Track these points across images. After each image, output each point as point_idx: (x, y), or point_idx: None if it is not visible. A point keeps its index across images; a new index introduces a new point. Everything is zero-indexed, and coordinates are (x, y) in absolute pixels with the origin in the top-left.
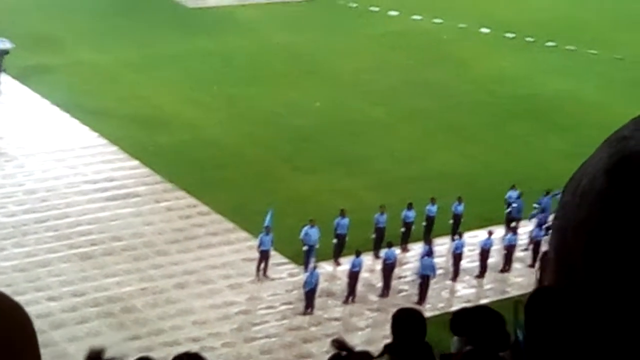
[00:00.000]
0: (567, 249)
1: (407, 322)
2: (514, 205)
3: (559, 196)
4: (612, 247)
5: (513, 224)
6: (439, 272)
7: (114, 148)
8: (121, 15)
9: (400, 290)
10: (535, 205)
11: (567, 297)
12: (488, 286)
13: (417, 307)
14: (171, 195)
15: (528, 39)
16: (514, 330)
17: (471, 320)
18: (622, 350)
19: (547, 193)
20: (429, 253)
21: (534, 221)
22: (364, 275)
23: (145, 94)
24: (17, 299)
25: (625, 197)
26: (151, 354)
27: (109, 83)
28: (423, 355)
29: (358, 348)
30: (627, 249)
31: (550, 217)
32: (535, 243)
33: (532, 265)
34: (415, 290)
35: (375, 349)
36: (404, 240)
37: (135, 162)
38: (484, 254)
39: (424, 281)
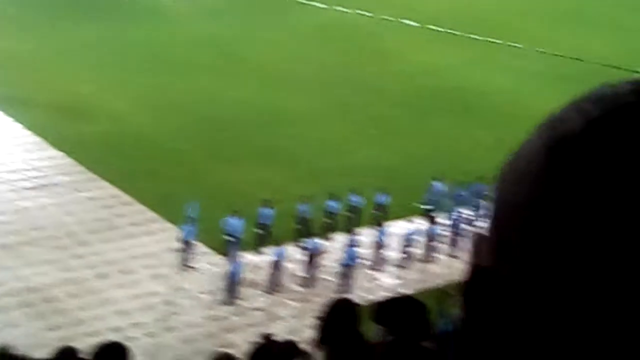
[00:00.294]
0: (505, 230)
1: (341, 312)
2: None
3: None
4: (550, 226)
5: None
6: (361, 262)
7: (36, 138)
8: (43, 1)
9: (324, 280)
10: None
11: (504, 278)
12: (411, 276)
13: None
14: (93, 185)
15: (453, 32)
16: (439, 320)
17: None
18: (559, 334)
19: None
20: (352, 243)
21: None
22: (287, 265)
23: (67, 83)
24: None
25: (563, 176)
26: (72, 344)
27: (27, 71)
28: (356, 346)
29: (281, 338)
30: (565, 228)
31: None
32: (455, 233)
33: (454, 256)
34: (339, 280)
35: (299, 338)
36: (328, 231)
37: (57, 152)
38: (407, 244)
39: (346, 271)
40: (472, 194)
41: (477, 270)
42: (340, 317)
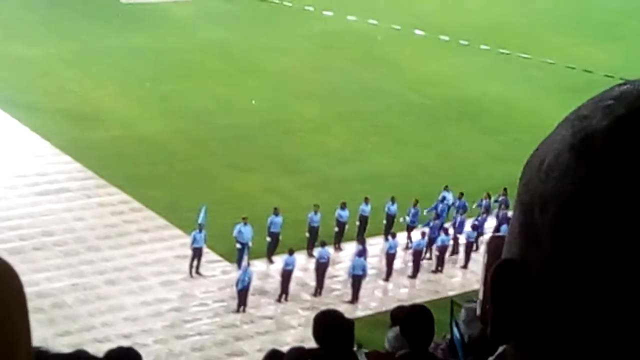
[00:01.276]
0: (534, 223)
1: (332, 327)
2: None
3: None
4: (582, 221)
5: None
6: (372, 272)
7: (46, 143)
8: (53, 8)
9: (333, 290)
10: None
11: (535, 271)
12: (420, 286)
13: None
14: (103, 191)
15: (462, 42)
16: (450, 329)
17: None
18: (589, 329)
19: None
20: (362, 253)
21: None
22: (297, 274)
23: (77, 89)
24: None
25: (591, 173)
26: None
27: (40, 77)
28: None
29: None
30: (594, 224)
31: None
32: (468, 245)
33: (464, 267)
34: (347, 290)
35: (308, 347)
36: (338, 240)
37: (67, 157)
38: (417, 254)
39: (355, 281)
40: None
41: (505, 263)
42: (331, 333)
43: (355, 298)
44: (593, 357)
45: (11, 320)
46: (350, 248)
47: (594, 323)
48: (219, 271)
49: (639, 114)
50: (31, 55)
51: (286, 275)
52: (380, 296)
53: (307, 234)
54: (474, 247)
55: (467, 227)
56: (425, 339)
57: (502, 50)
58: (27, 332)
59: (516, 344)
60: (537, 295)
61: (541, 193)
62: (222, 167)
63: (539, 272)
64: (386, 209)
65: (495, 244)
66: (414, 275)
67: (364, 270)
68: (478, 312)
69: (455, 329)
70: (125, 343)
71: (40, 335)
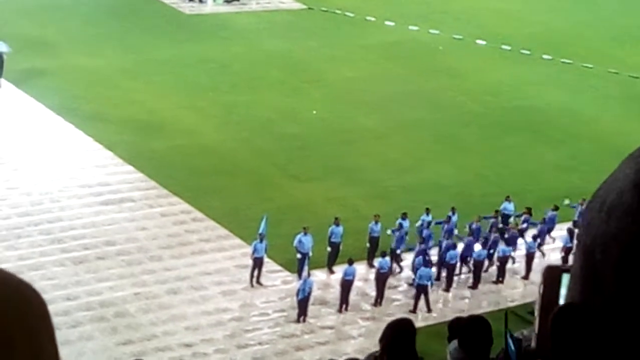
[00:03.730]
0: (596, 266)
1: (398, 331)
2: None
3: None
4: None
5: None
6: (432, 281)
7: (109, 153)
8: (116, 20)
9: (394, 300)
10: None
11: (597, 314)
12: (481, 297)
13: (410, 316)
14: (165, 201)
15: (524, 51)
16: (504, 340)
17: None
18: None
19: (556, 208)
20: (427, 263)
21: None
22: (357, 284)
23: (140, 99)
24: None
25: None
26: (144, 359)
27: (104, 88)
28: None
29: (350, 357)
30: None
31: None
32: (529, 255)
33: (525, 277)
34: (408, 300)
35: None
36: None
37: (130, 167)
38: (478, 265)
39: (421, 291)
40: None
41: (566, 308)
42: (397, 337)
43: (416, 307)
44: None
45: (40, 346)
46: (410, 258)
47: None
48: (280, 281)
49: None
50: (95, 66)
51: (346, 286)
52: (440, 307)
53: (367, 244)
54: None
55: (528, 238)
56: (484, 351)
57: (564, 60)
58: (54, 354)
59: None
60: (598, 338)
61: (603, 234)
62: (283, 177)
63: (601, 313)
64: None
65: (550, 274)
66: (474, 286)
67: (430, 279)
68: (533, 344)
69: (509, 340)
70: (186, 352)
71: (103, 344)
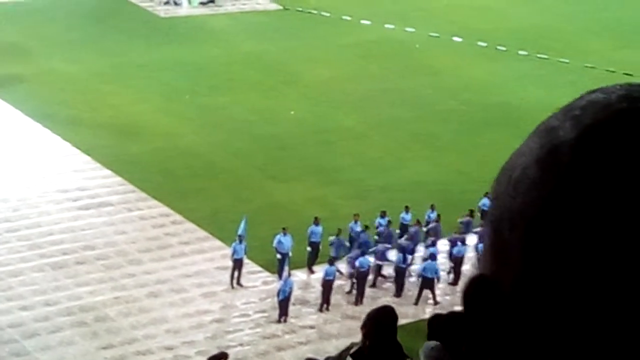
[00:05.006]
0: (503, 240)
1: (379, 319)
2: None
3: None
4: (549, 235)
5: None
6: (412, 279)
7: (86, 157)
8: (91, 24)
9: (374, 298)
10: None
11: (506, 289)
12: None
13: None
14: (144, 205)
15: (500, 47)
16: None
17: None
18: (559, 346)
19: None
20: (434, 256)
21: None
22: (338, 282)
23: (117, 103)
24: None
25: (557, 185)
26: None
27: (80, 93)
28: (394, 356)
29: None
30: (563, 237)
31: None
32: None
33: None
34: (388, 299)
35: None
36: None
37: (108, 172)
38: (457, 261)
39: (425, 283)
40: None
41: (478, 279)
42: (381, 325)
43: (423, 297)
44: None
45: None
46: (390, 256)
47: (565, 338)
48: (260, 282)
49: (606, 125)
50: (71, 71)
51: (327, 285)
52: (448, 298)
53: (347, 243)
54: None
55: None
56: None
57: (540, 55)
58: None
59: None
60: (508, 313)
61: (509, 208)
62: (262, 178)
63: (509, 288)
64: (426, 217)
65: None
66: (455, 282)
67: (436, 273)
68: None
69: None
70: (167, 355)
71: (84, 349)
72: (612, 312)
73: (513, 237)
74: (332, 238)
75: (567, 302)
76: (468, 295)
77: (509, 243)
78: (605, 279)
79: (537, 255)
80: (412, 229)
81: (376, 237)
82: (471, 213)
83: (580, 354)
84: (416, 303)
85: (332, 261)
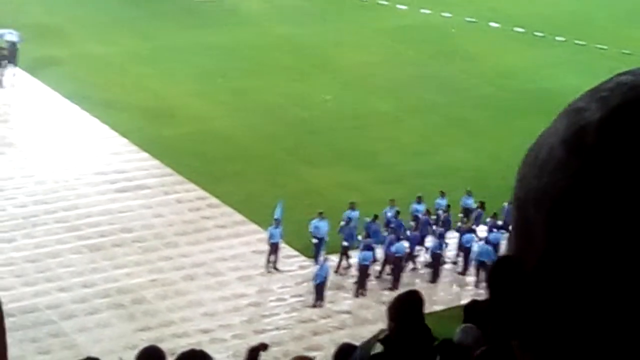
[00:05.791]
0: (528, 221)
1: (406, 303)
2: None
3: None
4: (574, 216)
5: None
6: (447, 266)
7: (124, 140)
8: (127, 6)
9: (410, 284)
10: None
11: (528, 267)
12: None
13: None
14: (181, 188)
15: (537, 33)
16: None
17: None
18: (584, 326)
19: None
20: (488, 240)
21: None
22: (374, 268)
23: (151, 85)
24: (28, 289)
25: (584, 167)
26: (161, 345)
27: (116, 75)
28: (422, 340)
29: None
30: (588, 218)
31: None
32: None
33: None
34: (424, 284)
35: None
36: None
37: (145, 154)
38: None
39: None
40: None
41: (502, 260)
42: (408, 309)
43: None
44: (590, 356)
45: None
46: (427, 241)
47: (589, 320)
48: (296, 266)
49: (633, 105)
50: (107, 54)
51: (363, 270)
52: (457, 290)
53: (385, 228)
54: None
55: None
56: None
57: (578, 42)
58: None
59: (519, 343)
60: (532, 293)
61: (535, 189)
62: (296, 163)
63: (533, 269)
64: (462, 203)
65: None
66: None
67: (489, 256)
68: None
69: None
70: (203, 338)
71: (120, 331)
72: (634, 293)
73: (538, 217)
74: (367, 221)
75: (590, 282)
76: (492, 275)
77: (533, 223)
78: (628, 260)
79: (561, 236)
80: (443, 215)
81: (412, 223)
82: (482, 204)
83: (601, 335)
84: (477, 285)
85: (368, 246)
